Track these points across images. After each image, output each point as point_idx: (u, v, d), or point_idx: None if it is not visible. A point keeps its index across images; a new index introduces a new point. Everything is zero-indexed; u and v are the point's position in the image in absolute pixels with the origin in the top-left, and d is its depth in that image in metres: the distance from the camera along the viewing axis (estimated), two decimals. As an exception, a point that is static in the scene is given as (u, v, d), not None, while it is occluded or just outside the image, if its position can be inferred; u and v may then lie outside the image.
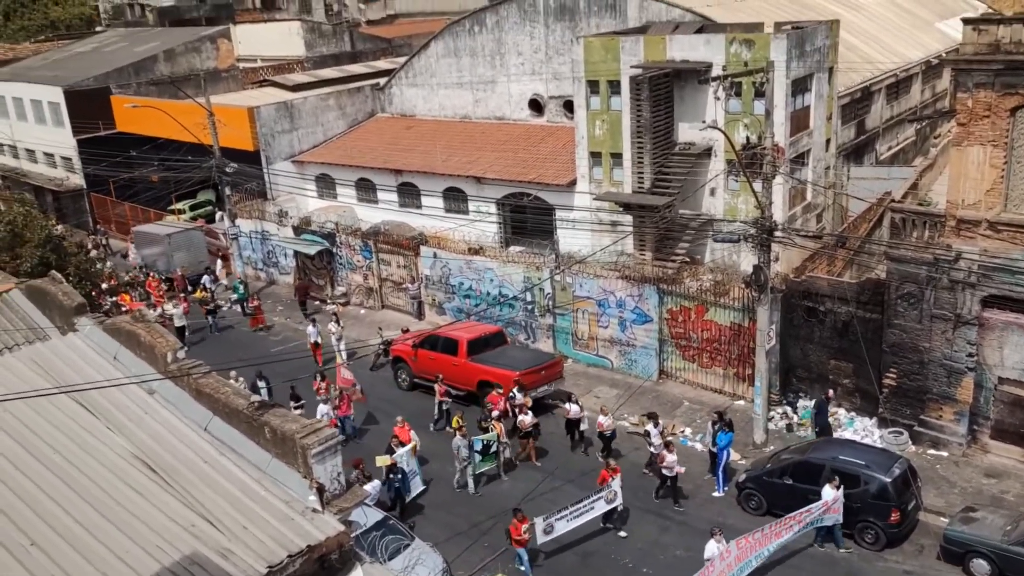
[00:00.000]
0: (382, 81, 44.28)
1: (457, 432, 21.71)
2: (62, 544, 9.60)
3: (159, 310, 32.35)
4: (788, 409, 24.37)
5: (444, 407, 24.68)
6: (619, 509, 19.69)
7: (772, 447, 22.46)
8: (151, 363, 12.63)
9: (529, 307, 29.36)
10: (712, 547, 16.90)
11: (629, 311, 26.81)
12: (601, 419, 22.39)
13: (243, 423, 11.57)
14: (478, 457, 21.57)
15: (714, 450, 21.26)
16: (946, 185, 21.60)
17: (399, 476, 20.46)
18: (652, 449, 21.41)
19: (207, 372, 12.37)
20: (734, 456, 21.86)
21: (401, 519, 19.63)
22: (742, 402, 24.85)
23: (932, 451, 21.71)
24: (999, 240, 19.88)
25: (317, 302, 35.59)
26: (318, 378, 24.82)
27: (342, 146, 41.47)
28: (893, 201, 27.59)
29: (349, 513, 11.22)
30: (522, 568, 18.26)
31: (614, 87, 29.80)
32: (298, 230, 36.23)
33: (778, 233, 22.36)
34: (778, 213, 25.43)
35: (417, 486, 21.41)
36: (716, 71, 27.12)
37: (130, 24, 77.06)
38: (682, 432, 23.69)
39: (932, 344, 21.34)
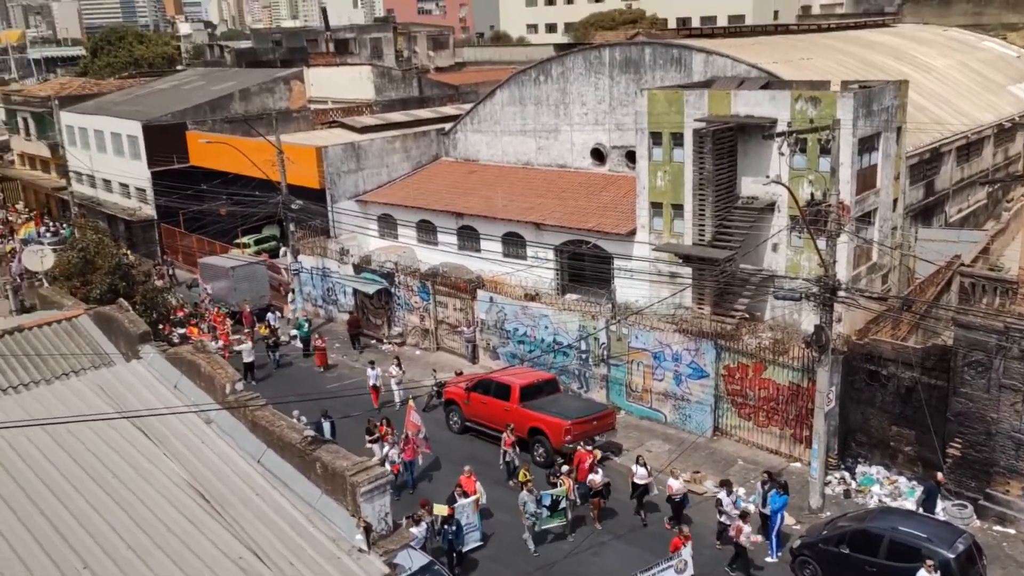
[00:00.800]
0: (447, 126, 45.03)
1: (523, 487, 21.02)
2: (113, 568, 9.73)
3: (219, 343, 32.90)
4: (846, 474, 23.63)
5: (507, 457, 23.87)
6: None
7: (828, 513, 21.78)
8: (210, 393, 12.86)
9: (583, 356, 29.19)
10: None
11: (685, 365, 26.46)
12: (671, 483, 21.47)
13: (296, 457, 11.67)
14: (545, 512, 20.79)
15: (766, 512, 20.65)
16: (1019, 250, 20.98)
17: (453, 528, 19.84)
18: (723, 519, 20.41)
19: (263, 405, 12.54)
20: (788, 520, 21.21)
21: (451, 572, 19.14)
22: (798, 464, 24.19)
23: (998, 527, 20.78)
24: (1075, 310, 19.20)
25: (373, 341, 35.92)
26: (384, 423, 24.69)
27: (405, 188, 42.14)
28: (963, 265, 26.88)
29: (395, 555, 11.17)
30: None
31: (677, 139, 29.81)
32: (358, 268, 36.76)
33: (841, 293, 21.92)
34: (842, 272, 24.93)
35: (474, 540, 20.75)
36: (781, 127, 26.95)
37: (209, 64, 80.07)
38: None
39: (1000, 415, 20.57)
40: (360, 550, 10.59)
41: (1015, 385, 20.18)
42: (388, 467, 22.76)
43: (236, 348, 32.53)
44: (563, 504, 21.02)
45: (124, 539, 10.13)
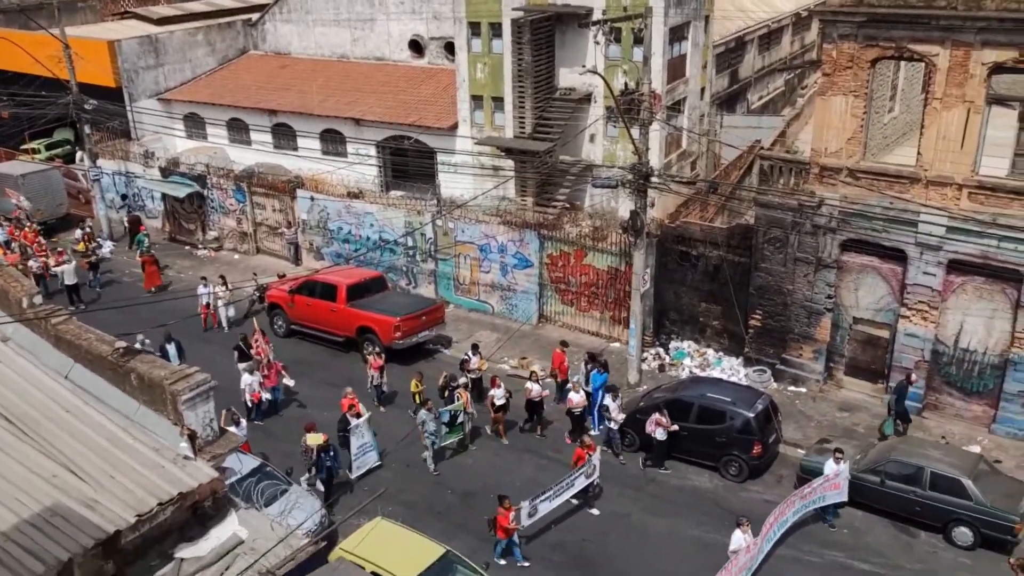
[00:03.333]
0: (255, 16, 42.33)
1: (422, 406, 20.12)
2: (-94, 500, 9.01)
3: (32, 263, 29.55)
4: (661, 350, 25.27)
5: (375, 381, 22.64)
6: (595, 484, 18.77)
7: (645, 386, 23.28)
8: (4, 308, 11.90)
9: (410, 252, 29.14)
10: (738, 538, 15.91)
11: (510, 256, 27.01)
12: (529, 386, 21.26)
13: (108, 370, 11.11)
14: (444, 430, 20.24)
15: (588, 390, 21.72)
16: (811, 134, 22.56)
17: (331, 454, 18.93)
18: (611, 425, 20.40)
19: (66, 317, 11.76)
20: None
21: (329, 500, 18.49)
22: (617, 344, 25.57)
23: (792, 388, 23.01)
24: (858, 187, 20.99)
25: (187, 247, 34.19)
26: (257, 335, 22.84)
27: (212, 84, 39.59)
28: (762, 149, 28.63)
29: (223, 459, 11.01)
30: (501, 562, 16.90)
31: (496, 29, 29.52)
32: (166, 172, 34.55)
33: (654, 179, 22.88)
34: (654, 159, 25.97)
35: (373, 460, 20.06)
36: (597, 16, 27.21)
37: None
38: (560, 374, 24.15)
39: (795, 286, 22.48)
40: (185, 457, 10.32)
41: (807, 258, 22.04)
42: (248, 396, 21.69)
43: (56, 269, 29.53)
44: (461, 419, 20.58)
45: (-84, 469, 9.37)
